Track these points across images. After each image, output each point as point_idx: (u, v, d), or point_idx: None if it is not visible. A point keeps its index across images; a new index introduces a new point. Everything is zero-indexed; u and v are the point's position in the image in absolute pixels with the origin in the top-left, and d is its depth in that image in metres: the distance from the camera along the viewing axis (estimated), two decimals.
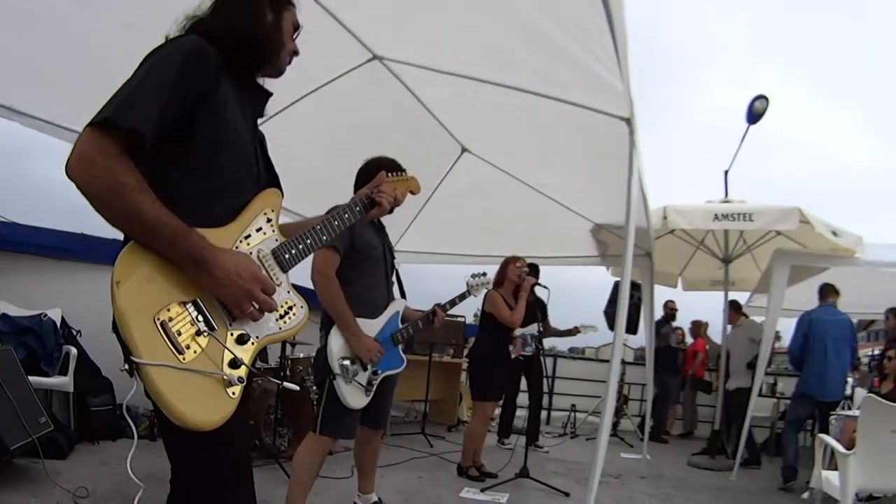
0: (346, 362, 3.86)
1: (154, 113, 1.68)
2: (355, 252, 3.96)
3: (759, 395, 8.26)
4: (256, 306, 1.82)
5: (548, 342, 8.32)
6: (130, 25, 4.03)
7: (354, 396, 3.90)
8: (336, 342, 3.88)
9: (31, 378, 5.16)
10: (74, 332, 6.44)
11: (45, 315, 6.12)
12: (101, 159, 1.60)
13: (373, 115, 5.86)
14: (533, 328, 6.81)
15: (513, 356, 6.40)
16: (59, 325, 6.24)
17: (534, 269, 7.72)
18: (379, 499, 4.63)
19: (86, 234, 6.90)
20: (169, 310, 1.67)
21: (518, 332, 6.43)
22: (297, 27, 2.16)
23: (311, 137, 5.67)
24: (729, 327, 9.57)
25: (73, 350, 6.05)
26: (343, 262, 3.88)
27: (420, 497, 5.53)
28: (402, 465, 6.60)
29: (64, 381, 5.88)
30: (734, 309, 9.80)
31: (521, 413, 8.62)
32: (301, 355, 6.29)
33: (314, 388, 4.07)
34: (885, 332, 9.00)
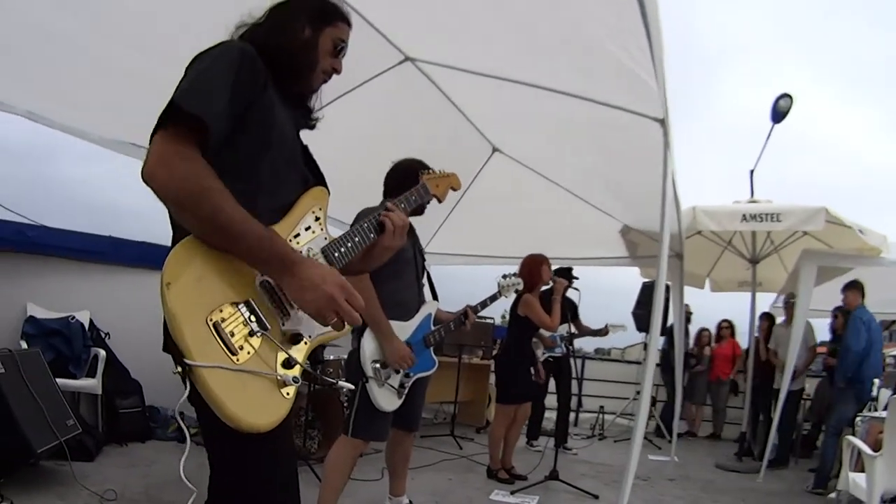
0: (379, 365, 3.84)
1: (222, 107, 1.67)
2: None
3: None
4: (337, 315, 1.74)
5: (575, 343, 8.26)
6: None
7: (387, 399, 3.87)
8: (369, 345, 3.85)
9: (58, 380, 5.16)
10: (103, 335, 6.47)
11: (74, 317, 6.15)
12: (181, 163, 1.58)
13: (404, 116, 5.86)
14: (562, 329, 6.77)
15: (540, 358, 6.35)
16: (87, 327, 6.28)
17: (567, 272, 7.71)
18: (410, 501, 4.60)
19: (114, 237, 6.95)
20: (221, 310, 1.63)
21: (546, 332, 6.39)
22: (337, 45, 2.10)
23: (342, 140, 5.64)
24: (778, 323, 9.50)
25: (102, 352, 6.08)
26: None
27: (450, 499, 5.51)
28: (431, 466, 6.57)
29: (92, 384, 5.91)
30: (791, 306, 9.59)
31: (550, 415, 8.56)
32: (331, 357, 6.26)
33: (345, 389, 4.05)
34: None
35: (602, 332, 8.29)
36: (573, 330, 7.70)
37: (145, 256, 6.79)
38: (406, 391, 3.99)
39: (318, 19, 2.05)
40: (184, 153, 1.59)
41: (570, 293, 7.31)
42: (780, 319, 9.86)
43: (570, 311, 7.64)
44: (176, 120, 1.60)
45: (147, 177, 1.58)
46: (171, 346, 1.58)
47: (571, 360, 7.17)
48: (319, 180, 2.11)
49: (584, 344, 12.71)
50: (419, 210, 3.53)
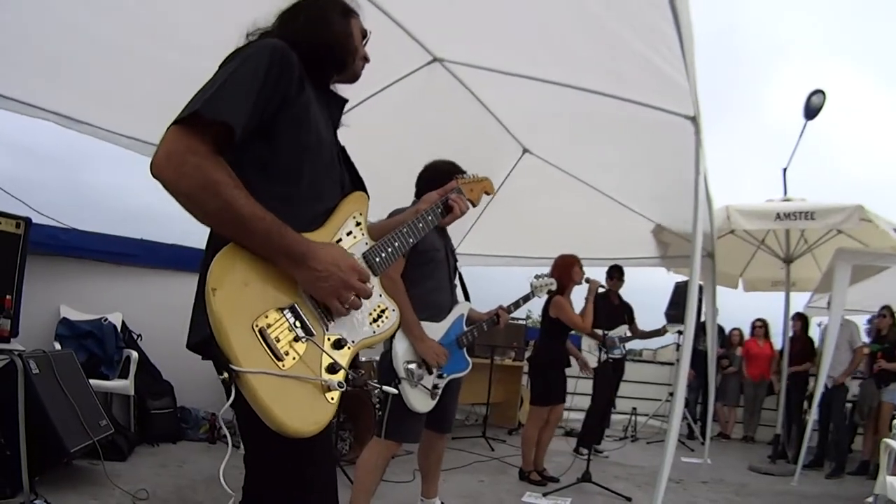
0: (412, 366, 3.79)
1: (244, 109, 1.65)
2: (418, 254, 3.87)
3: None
4: (354, 295, 1.79)
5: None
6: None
7: (420, 400, 3.83)
8: (401, 346, 3.81)
9: (91, 381, 5.19)
10: (135, 336, 6.52)
11: (106, 319, 6.21)
12: (192, 157, 1.56)
13: (433, 117, 5.84)
14: (622, 330, 6.72)
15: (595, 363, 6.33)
16: (119, 329, 6.33)
17: (618, 270, 7.70)
18: (442, 503, 4.57)
19: (145, 240, 6.99)
20: (267, 316, 1.63)
21: (609, 334, 6.38)
22: (365, 34, 2.16)
23: (371, 141, 5.64)
24: (821, 325, 9.37)
25: (134, 354, 6.11)
26: (406, 265, 3.83)
27: (482, 501, 5.48)
28: (463, 468, 6.55)
29: (124, 385, 5.93)
30: None
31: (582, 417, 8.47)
32: (364, 359, 6.26)
33: (377, 391, 4.02)
34: None
35: (660, 332, 8.22)
36: (627, 333, 7.67)
37: (177, 259, 6.86)
38: (440, 392, 3.96)
39: (345, 11, 2.09)
40: (195, 148, 1.57)
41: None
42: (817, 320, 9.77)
43: (627, 314, 7.63)
44: (194, 121, 1.58)
45: (155, 170, 1.56)
46: (215, 351, 1.57)
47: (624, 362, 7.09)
48: (357, 184, 2.11)
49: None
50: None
